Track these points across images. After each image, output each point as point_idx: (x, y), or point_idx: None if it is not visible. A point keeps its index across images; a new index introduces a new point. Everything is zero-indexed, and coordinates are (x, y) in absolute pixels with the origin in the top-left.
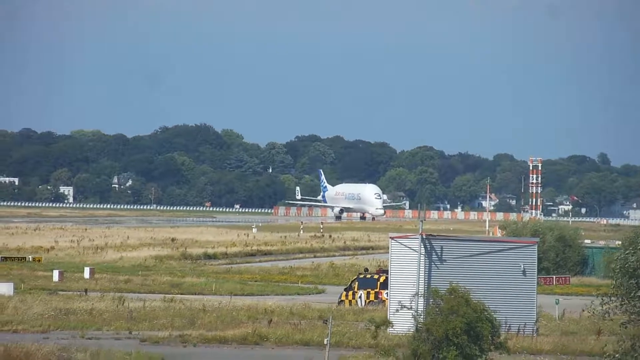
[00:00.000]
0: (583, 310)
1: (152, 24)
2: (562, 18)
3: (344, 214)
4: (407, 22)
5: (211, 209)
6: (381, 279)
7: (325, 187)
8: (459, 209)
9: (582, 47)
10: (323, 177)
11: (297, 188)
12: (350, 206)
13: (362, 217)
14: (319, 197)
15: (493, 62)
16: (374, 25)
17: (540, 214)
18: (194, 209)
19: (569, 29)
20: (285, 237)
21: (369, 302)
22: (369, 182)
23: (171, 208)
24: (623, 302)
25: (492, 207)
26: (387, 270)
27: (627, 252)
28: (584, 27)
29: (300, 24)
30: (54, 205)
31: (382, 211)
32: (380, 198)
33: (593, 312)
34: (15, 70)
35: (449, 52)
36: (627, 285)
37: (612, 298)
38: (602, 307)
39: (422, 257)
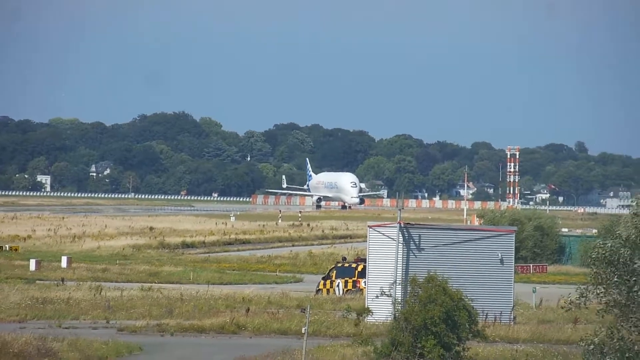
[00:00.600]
0: (561, 299)
1: (131, 13)
2: (539, 8)
3: (323, 203)
4: (386, 13)
5: (187, 197)
6: (359, 268)
7: (310, 175)
8: (437, 197)
9: (560, 36)
10: (309, 165)
11: (283, 177)
12: (329, 195)
13: (343, 206)
14: (305, 186)
15: (471, 51)
16: (354, 15)
17: (518, 203)
18: (172, 197)
19: (547, 19)
20: (264, 225)
21: (347, 290)
22: (348, 171)
23: (149, 197)
24: (599, 291)
25: (470, 196)
26: (365, 259)
27: (605, 239)
28: (561, 17)
29: (279, 13)
30: (31, 194)
31: (357, 199)
32: (356, 187)
33: (570, 302)
34: None
35: (428, 41)
36: (605, 273)
37: (590, 287)
38: (580, 298)
39: (400, 246)
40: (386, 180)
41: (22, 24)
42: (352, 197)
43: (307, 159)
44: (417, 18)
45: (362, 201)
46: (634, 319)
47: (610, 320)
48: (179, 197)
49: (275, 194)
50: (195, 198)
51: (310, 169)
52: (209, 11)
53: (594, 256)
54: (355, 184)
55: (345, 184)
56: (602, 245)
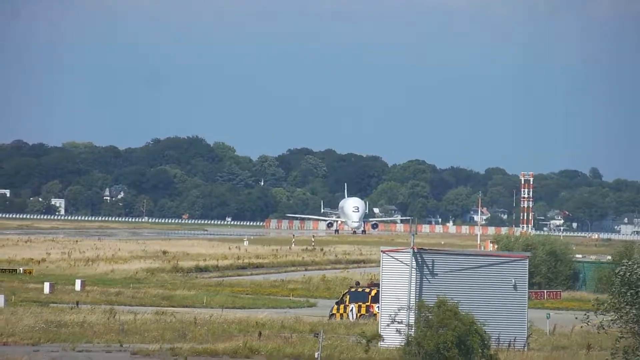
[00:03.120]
0: (578, 326)
1: (144, 36)
2: (553, 34)
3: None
4: (400, 37)
5: (188, 221)
6: (372, 293)
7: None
8: (451, 222)
9: (574, 63)
10: (346, 189)
11: (322, 201)
12: (338, 220)
13: (354, 232)
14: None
15: (486, 77)
16: (367, 39)
17: (532, 229)
18: (186, 221)
19: (561, 44)
20: (277, 250)
21: (361, 315)
22: (361, 196)
23: (163, 220)
24: (619, 315)
25: (483, 221)
26: (379, 284)
27: (630, 263)
28: (576, 42)
29: (293, 37)
30: (45, 217)
31: (357, 224)
32: (358, 211)
33: (587, 324)
34: (7, 82)
35: (442, 68)
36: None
37: (610, 312)
38: (597, 316)
39: (414, 271)
40: (400, 205)
41: (36, 49)
42: (353, 222)
43: (345, 183)
44: (432, 43)
45: (375, 226)
46: None
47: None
48: (191, 222)
49: (295, 218)
50: (209, 222)
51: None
52: (224, 36)
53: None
54: (358, 208)
55: (348, 208)
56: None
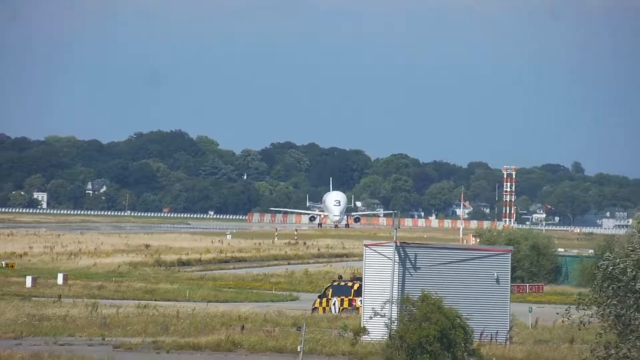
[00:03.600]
0: (560, 319)
1: (128, 30)
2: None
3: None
4: (382, 32)
5: (168, 215)
6: (355, 287)
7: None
8: (433, 216)
9: (557, 56)
10: (331, 183)
11: (307, 195)
12: (321, 214)
13: (336, 226)
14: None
15: (467, 70)
16: (350, 33)
17: (514, 223)
18: (168, 215)
19: (541, 37)
20: (260, 244)
21: (343, 309)
22: (344, 190)
23: (145, 214)
24: (601, 310)
25: (466, 215)
26: (361, 278)
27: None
28: (557, 35)
29: (276, 30)
30: (27, 211)
31: (338, 218)
32: (340, 205)
33: (568, 318)
34: None
35: (424, 61)
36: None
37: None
38: (578, 311)
39: (396, 265)
40: (382, 199)
41: (16, 39)
42: (334, 215)
43: (330, 177)
44: (414, 38)
45: (357, 220)
46: (633, 337)
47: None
48: (173, 215)
49: (277, 212)
50: (192, 216)
51: (331, 187)
52: (206, 29)
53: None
54: (339, 202)
55: (330, 202)
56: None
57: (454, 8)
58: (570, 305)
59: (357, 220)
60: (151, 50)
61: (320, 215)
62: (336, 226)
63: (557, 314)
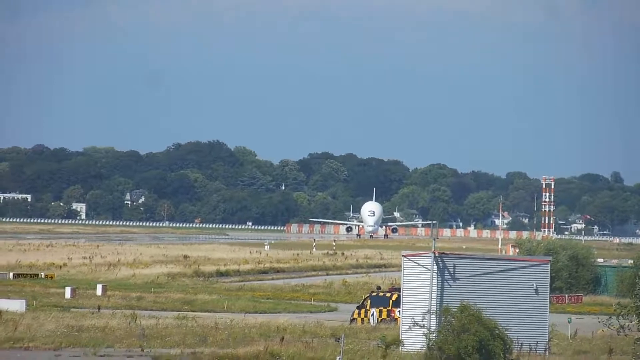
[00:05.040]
0: (599, 330)
1: (166, 43)
2: (576, 38)
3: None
4: (421, 40)
5: (200, 225)
6: (393, 297)
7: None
8: (472, 227)
9: (596, 66)
10: (374, 194)
11: (350, 205)
12: (358, 224)
13: (385, 235)
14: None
15: (507, 80)
16: (388, 43)
17: (553, 233)
18: (207, 226)
19: (582, 48)
20: (298, 254)
21: (382, 320)
22: (382, 201)
23: (184, 225)
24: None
25: (505, 226)
26: (400, 288)
27: None
28: (597, 46)
29: (313, 41)
30: (66, 221)
31: (372, 228)
32: (374, 215)
33: (609, 327)
34: (28, 88)
35: (462, 71)
36: None
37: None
38: (618, 320)
39: (435, 275)
40: (421, 210)
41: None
42: (368, 226)
43: (374, 188)
44: (450, 47)
45: (395, 230)
46: None
47: None
48: (211, 226)
49: (316, 223)
50: (230, 226)
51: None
52: (245, 40)
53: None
54: (374, 212)
55: (364, 212)
56: None
57: (501, 18)
58: (611, 315)
59: (394, 230)
60: (190, 63)
61: (358, 225)
62: (371, 236)
63: (599, 321)
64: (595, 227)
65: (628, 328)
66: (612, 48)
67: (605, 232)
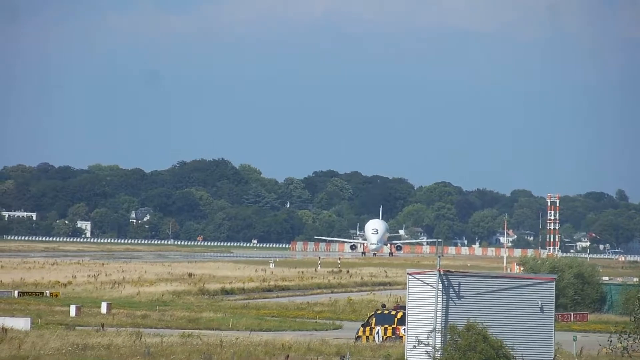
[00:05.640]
0: (602, 347)
1: (168, 61)
2: (582, 55)
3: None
4: (427, 58)
5: (202, 243)
6: (398, 315)
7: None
8: (477, 244)
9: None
10: (381, 212)
11: (357, 224)
12: (361, 242)
13: (390, 253)
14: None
15: (511, 99)
16: (391, 62)
17: (558, 251)
18: (212, 244)
19: (586, 65)
20: (303, 272)
21: (387, 338)
22: (387, 219)
23: (189, 243)
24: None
25: (509, 244)
26: (405, 306)
27: None
28: (601, 63)
29: (318, 60)
30: (71, 239)
31: (375, 246)
32: (377, 233)
33: (612, 350)
34: (33, 106)
35: (467, 90)
36: None
37: (632, 335)
38: (621, 343)
39: (440, 293)
40: (426, 228)
41: (62, 72)
42: (371, 244)
43: (381, 206)
44: (457, 64)
45: (399, 248)
46: None
47: None
48: (216, 244)
49: (321, 241)
50: (235, 244)
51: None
52: (249, 58)
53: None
54: (377, 230)
55: (368, 230)
56: None
57: (506, 36)
58: (612, 334)
59: (399, 248)
60: (194, 79)
61: (362, 243)
62: (375, 254)
63: (600, 345)
64: (607, 245)
65: (632, 349)
66: (618, 65)
67: (617, 250)
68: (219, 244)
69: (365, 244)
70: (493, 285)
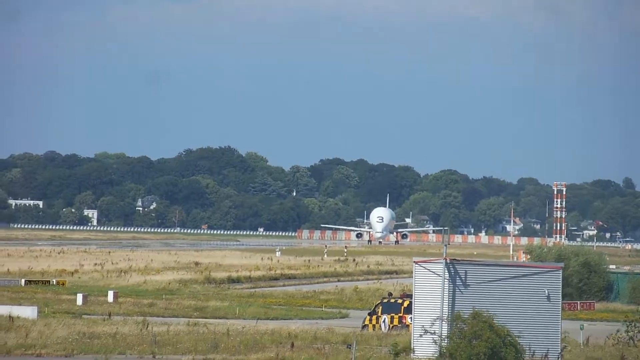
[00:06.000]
0: (612, 336)
1: (175, 49)
2: (588, 44)
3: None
4: (433, 46)
5: (207, 231)
6: (405, 304)
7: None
8: (483, 233)
9: (607, 72)
10: (388, 200)
11: (364, 212)
12: (367, 229)
13: (396, 242)
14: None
15: (517, 86)
16: (399, 49)
17: (565, 239)
18: (218, 232)
19: (592, 53)
20: (309, 261)
21: (393, 326)
22: (394, 206)
23: (195, 231)
24: None
25: (516, 232)
26: (411, 295)
27: None
28: (608, 51)
29: (323, 47)
30: (78, 228)
31: (380, 234)
32: (382, 222)
33: (618, 340)
34: (39, 93)
35: (472, 76)
36: None
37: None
38: (628, 333)
39: (446, 282)
40: (432, 216)
41: (67, 61)
42: (376, 232)
43: (388, 193)
44: (461, 55)
45: (405, 236)
46: None
47: None
48: (222, 232)
49: (327, 229)
50: (241, 233)
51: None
52: (255, 46)
53: None
54: (382, 218)
55: (373, 218)
56: None
57: (512, 25)
58: (622, 322)
59: (404, 236)
60: (201, 69)
61: (368, 232)
62: (380, 242)
63: (607, 338)
64: (618, 233)
65: (638, 339)
66: (624, 54)
67: (627, 238)
68: (225, 232)
69: (371, 232)
70: (499, 273)
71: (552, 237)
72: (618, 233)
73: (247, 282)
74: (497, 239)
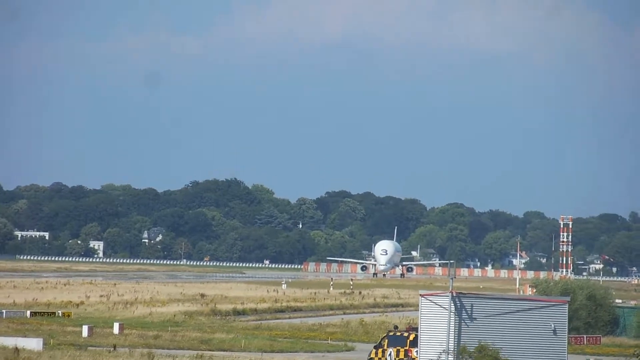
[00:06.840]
0: None
1: (181, 80)
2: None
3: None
4: (438, 80)
5: (209, 263)
6: (411, 337)
7: None
8: (489, 266)
9: (614, 104)
10: (395, 233)
11: (371, 245)
12: (371, 263)
13: (401, 275)
14: None
15: (523, 120)
16: (406, 82)
17: (571, 273)
18: (224, 264)
19: (600, 88)
20: (315, 293)
21: (399, 359)
22: (400, 240)
23: (201, 263)
24: None
25: (522, 265)
26: (417, 328)
27: None
28: (615, 86)
29: (329, 79)
30: (84, 259)
31: (384, 267)
32: (386, 254)
33: None
34: (46, 125)
35: (479, 111)
36: None
37: None
38: None
39: (452, 315)
40: (438, 249)
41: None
42: (380, 265)
43: (396, 227)
44: (469, 88)
45: (410, 269)
46: None
47: None
48: (228, 264)
49: (333, 261)
50: (247, 265)
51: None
52: (261, 78)
53: None
54: (386, 251)
55: (376, 251)
56: None
57: (517, 58)
58: (630, 357)
59: (410, 269)
60: (206, 99)
61: (374, 264)
62: (384, 275)
63: None
64: (614, 267)
65: None
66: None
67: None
68: (231, 264)
69: (376, 265)
70: (506, 307)
71: (559, 270)
72: (634, 268)
73: (253, 314)
74: (504, 273)
